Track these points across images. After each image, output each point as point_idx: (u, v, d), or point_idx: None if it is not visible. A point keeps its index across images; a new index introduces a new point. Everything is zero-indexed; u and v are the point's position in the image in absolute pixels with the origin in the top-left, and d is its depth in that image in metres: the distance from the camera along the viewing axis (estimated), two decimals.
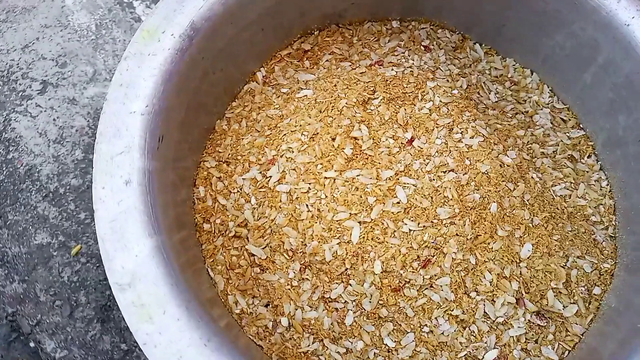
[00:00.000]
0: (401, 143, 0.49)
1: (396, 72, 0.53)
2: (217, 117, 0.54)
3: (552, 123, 0.53)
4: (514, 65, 0.57)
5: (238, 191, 0.49)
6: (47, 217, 0.62)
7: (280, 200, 0.47)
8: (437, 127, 0.49)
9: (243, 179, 0.50)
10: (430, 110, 0.51)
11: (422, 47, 0.57)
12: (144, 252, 0.37)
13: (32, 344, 0.58)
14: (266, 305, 0.46)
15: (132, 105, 0.42)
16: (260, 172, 0.49)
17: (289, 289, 0.45)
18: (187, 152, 0.50)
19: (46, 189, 0.64)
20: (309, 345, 0.45)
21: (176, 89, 0.45)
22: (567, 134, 0.53)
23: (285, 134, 0.50)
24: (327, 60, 0.56)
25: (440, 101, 0.51)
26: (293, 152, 0.49)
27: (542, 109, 0.54)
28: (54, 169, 0.65)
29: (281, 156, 0.49)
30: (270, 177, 0.49)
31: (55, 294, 0.59)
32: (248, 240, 0.47)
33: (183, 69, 0.45)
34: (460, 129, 0.49)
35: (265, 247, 0.47)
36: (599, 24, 0.46)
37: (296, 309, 0.45)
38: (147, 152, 0.41)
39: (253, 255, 0.47)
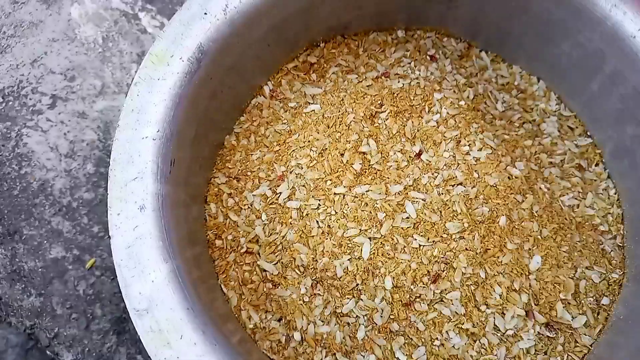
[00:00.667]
0: (409, 157, 0.49)
1: (403, 84, 0.54)
2: (225, 133, 0.55)
3: (559, 131, 0.53)
4: (520, 72, 0.57)
5: (249, 207, 0.50)
6: (61, 231, 0.64)
7: (291, 217, 0.48)
8: (444, 140, 0.50)
9: (253, 195, 0.50)
10: (437, 122, 0.51)
11: (428, 57, 0.57)
12: (160, 277, 0.38)
13: (49, 352, 0.60)
14: (279, 320, 0.47)
15: (144, 130, 0.42)
16: (270, 188, 0.50)
17: (301, 304, 0.46)
18: (198, 169, 0.50)
19: (59, 203, 0.65)
20: (321, 359, 0.45)
21: (186, 112, 0.45)
22: (575, 142, 0.53)
23: (294, 150, 0.51)
24: (333, 73, 0.57)
25: (448, 113, 0.52)
26: (302, 168, 0.50)
27: (549, 117, 0.54)
28: (67, 183, 0.66)
29: (290, 172, 0.50)
30: (280, 193, 0.49)
31: (72, 307, 0.60)
32: (260, 256, 0.48)
33: (192, 91, 0.46)
34: (468, 141, 0.50)
35: (277, 262, 0.48)
36: (605, 35, 0.46)
37: (308, 324, 0.46)
38: (160, 177, 0.41)
39: (265, 270, 0.48)
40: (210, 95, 0.49)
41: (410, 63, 0.57)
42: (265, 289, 0.47)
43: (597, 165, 0.52)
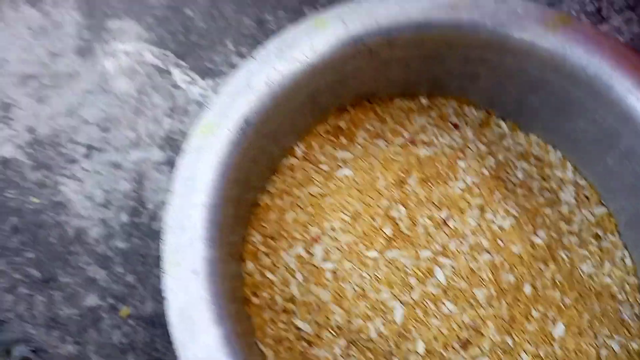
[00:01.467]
0: (437, 223, 0.53)
1: (429, 151, 0.57)
2: (260, 192, 0.58)
3: (576, 200, 0.57)
4: (537, 141, 0.61)
5: (284, 267, 0.53)
6: (96, 280, 0.66)
7: (325, 278, 0.51)
8: (469, 208, 0.53)
9: (288, 255, 0.53)
10: (462, 190, 0.54)
11: (450, 125, 0.61)
12: (213, 341, 0.40)
13: None
14: None
15: (193, 198, 0.46)
16: (305, 249, 0.53)
17: None
18: (237, 228, 0.54)
19: (94, 251, 0.68)
20: None
21: (231, 178, 0.49)
22: (591, 211, 0.56)
23: (327, 213, 0.54)
24: (362, 138, 0.60)
25: (472, 181, 0.55)
26: (336, 231, 0.53)
27: (566, 186, 0.58)
28: (102, 232, 0.69)
29: (325, 234, 0.53)
30: (315, 254, 0.52)
31: (107, 356, 0.62)
32: (295, 315, 0.51)
33: (237, 159, 0.49)
34: (492, 209, 0.53)
35: (312, 322, 0.50)
36: (620, 116, 0.50)
37: None
38: (210, 242, 0.44)
39: (300, 329, 0.50)
40: (251, 160, 0.53)
41: (434, 130, 0.61)
42: (301, 348, 0.49)
43: (612, 234, 0.55)
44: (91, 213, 0.70)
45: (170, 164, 0.74)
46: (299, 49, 0.52)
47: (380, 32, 0.53)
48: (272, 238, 0.55)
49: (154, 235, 0.69)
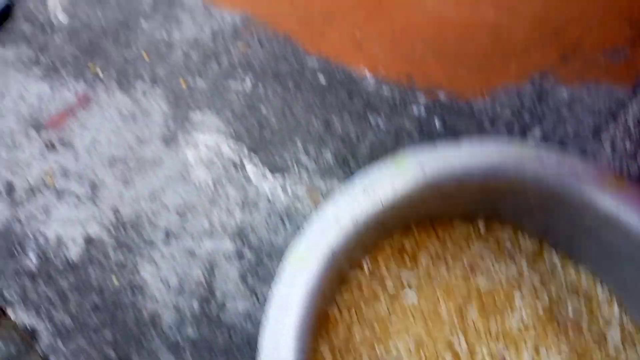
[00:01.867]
0: (494, 355, 0.58)
1: (487, 282, 0.63)
2: (328, 302, 0.64)
3: (622, 341, 0.61)
4: (586, 275, 0.66)
5: None
6: None
7: None
8: (525, 344, 0.58)
9: None
10: (518, 325, 0.60)
11: (507, 254, 0.67)
12: None
13: None
14: None
15: (286, 321, 0.52)
16: None
17: None
18: (311, 341, 0.59)
19: (167, 337, 0.74)
20: None
21: (317, 301, 0.55)
22: (637, 352, 0.61)
23: (393, 333, 0.60)
24: (425, 260, 0.66)
25: (527, 315, 0.60)
26: (401, 354, 0.58)
27: (612, 325, 0.62)
28: (174, 318, 0.75)
29: (389, 354, 0.59)
30: None
31: None
32: None
33: (322, 285, 0.56)
34: (546, 346, 0.58)
35: None
36: None
37: None
38: None
39: None
40: (331, 282, 0.59)
41: (492, 258, 0.66)
42: None
43: None
44: (165, 298, 0.77)
45: (240, 255, 0.80)
46: (381, 189, 0.59)
47: (454, 177, 0.60)
48: (340, 352, 0.61)
49: (221, 326, 0.75)
